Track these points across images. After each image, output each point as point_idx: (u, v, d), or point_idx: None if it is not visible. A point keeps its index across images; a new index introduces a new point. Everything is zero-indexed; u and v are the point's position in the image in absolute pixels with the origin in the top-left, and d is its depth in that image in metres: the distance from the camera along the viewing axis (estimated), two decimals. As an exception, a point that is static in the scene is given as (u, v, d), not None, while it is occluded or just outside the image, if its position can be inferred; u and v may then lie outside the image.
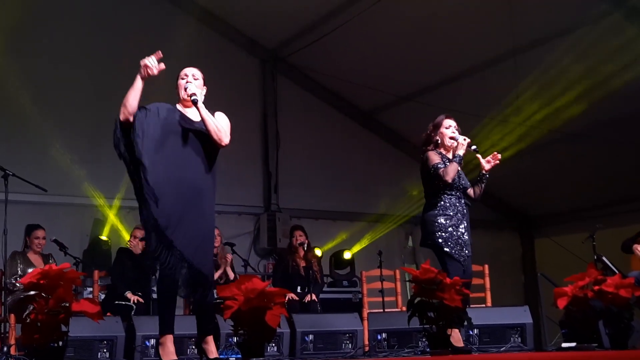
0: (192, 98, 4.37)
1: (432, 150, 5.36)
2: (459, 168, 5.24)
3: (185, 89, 4.45)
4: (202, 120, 4.40)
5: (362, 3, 8.75)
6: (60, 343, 4.06)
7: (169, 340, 4.35)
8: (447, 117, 5.45)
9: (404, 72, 9.82)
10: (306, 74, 10.70)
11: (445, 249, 5.15)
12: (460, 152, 5.23)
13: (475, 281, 6.91)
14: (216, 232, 7.57)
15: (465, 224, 5.27)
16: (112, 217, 8.81)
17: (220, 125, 4.41)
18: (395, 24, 9.06)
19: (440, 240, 5.16)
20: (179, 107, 4.53)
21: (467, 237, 5.25)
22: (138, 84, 4.28)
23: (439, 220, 5.20)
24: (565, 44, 8.30)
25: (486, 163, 5.35)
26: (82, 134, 8.81)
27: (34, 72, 8.63)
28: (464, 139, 5.27)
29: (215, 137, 4.37)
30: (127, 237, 8.10)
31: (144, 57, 4.29)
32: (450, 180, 5.17)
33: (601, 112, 8.80)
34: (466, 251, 5.21)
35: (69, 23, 9.02)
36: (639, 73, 8.35)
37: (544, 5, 8.12)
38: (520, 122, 9.34)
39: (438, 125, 5.41)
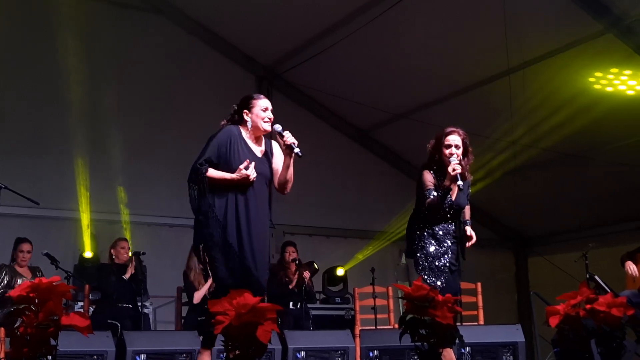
0: (297, 152, 4.67)
1: (428, 169, 5.00)
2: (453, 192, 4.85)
3: (283, 135, 4.80)
4: (287, 169, 4.78)
5: (358, 21, 8.78)
6: (50, 357, 4.02)
7: (206, 355, 4.42)
8: (449, 133, 4.94)
9: (400, 90, 9.85)
10: (302, 91, 10.72)
11: (425, 277, 4.91)
12: (448, 182, 4.84)
13: (468, 299, 6.89)
14: None
15: (453, 245, 5.00)
16: (86, 231, 8.75)
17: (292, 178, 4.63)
18: (391, 42, 9.10)
19: (424, 273, 4.94)
20: (245, 134, 4.85)
21: (448, 263, 4.96)
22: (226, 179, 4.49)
23: (423, 249, 4.96)
24: (560, 63, 8.35)
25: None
26: (74, 148, 8.76)
27: (26, 84, 8.63)
28: (453, 169, 4.78)
29: (285, 186, 4.73)
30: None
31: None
32: (434, 215, 4.90)
33: (595, 132, 8.83)
34: (442, 279, 4.94)
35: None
36: (633, 93, 8.40)
37: (539, 24, 8.16)
38: (515, 140, 9.36)
39: (438, 141, 4.98)
